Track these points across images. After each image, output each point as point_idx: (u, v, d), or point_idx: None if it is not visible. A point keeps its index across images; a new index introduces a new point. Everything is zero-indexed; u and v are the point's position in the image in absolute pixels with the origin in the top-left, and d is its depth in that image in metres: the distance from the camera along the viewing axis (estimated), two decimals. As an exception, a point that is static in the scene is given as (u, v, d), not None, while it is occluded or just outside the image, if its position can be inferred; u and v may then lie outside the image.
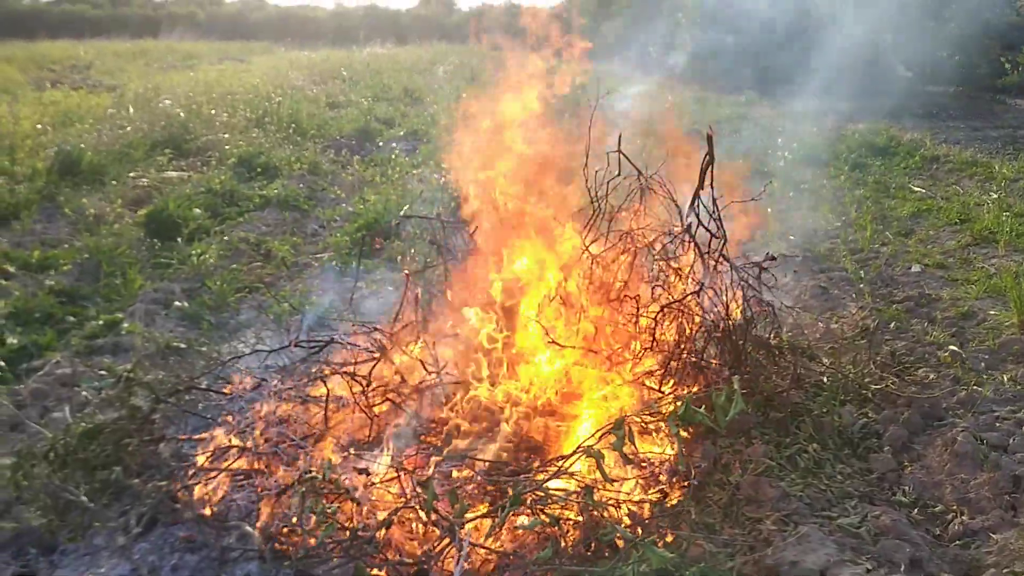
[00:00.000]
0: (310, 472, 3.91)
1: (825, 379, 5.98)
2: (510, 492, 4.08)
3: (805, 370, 6.03)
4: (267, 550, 4.05)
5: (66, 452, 4.43)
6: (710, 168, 5.43)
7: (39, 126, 12.88)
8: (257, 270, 8.42)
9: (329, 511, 3.80)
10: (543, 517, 3.89)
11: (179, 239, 9.22)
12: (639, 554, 3.64)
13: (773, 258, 5.88)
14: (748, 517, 4.74)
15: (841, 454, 5.34)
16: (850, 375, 5.98)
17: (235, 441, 4.50)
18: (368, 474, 4.10)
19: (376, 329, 5.03)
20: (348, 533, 3.96)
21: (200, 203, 10.44)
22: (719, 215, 5.62)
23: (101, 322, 7.01)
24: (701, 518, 4.57)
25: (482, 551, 4.07)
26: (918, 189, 11.95)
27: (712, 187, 5.54)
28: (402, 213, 6.31)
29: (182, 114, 14.42)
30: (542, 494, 3.98)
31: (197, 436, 4.69)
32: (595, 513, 4.03)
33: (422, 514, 4.14)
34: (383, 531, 3.95)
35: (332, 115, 16.53)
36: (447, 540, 3.93)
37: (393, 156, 13.13)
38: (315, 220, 10.53)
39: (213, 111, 15.19)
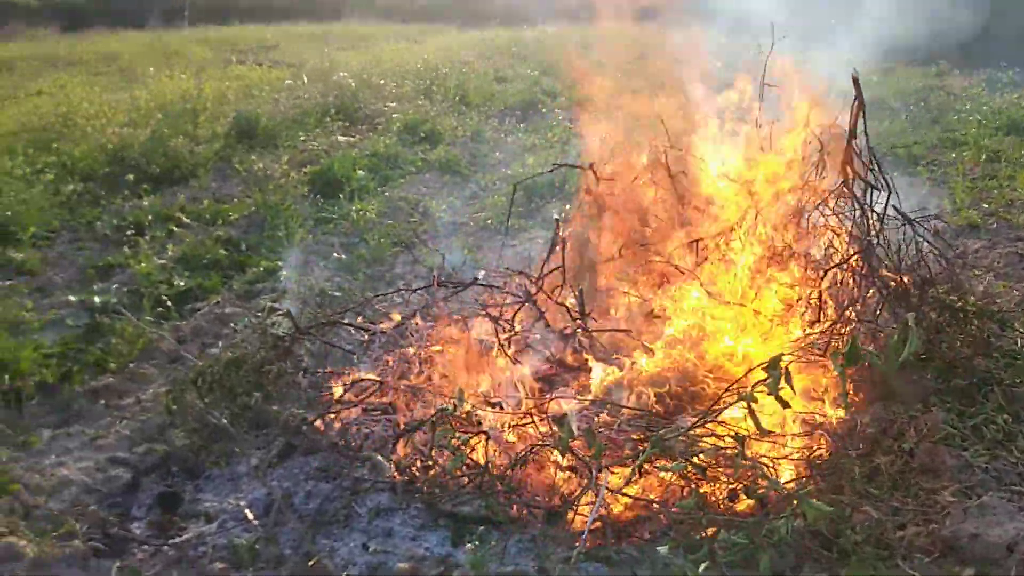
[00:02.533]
0: (445, 407, 3.75)
1: (1019, 346, 5.32)
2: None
3: (995, 337, 5.37)
4: (399, 482, 3.96)
5: (212, 380, 4.49)
6: (861, 113, 4.88)
7: (221, 96, 13.48)
8: (415, 226, 8.44)
9: (460, 442, 3.64)
10: (687, 466, 3.58)
11: (341, 196, 9.39)
12: (793, 506, 3.27)
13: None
14: (922, 487, 4.25)
15: (1031, 440, 4.70)
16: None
17: (373, 376, 4.42)
18: (502, 409, 3.92)
19: (521, 273, 4.83)
20: (480, 469, 3.81)
21: (364, 164, 10.62)
22: (878, 164, 5.04)
23: (261, 268, 7.20)
24: (865, 486, 4.13)
25: (621, 498, 3.82)
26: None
27: (867, 135, 4.97)
28: (553, 165, 6.03)
29: (353, 84, 14.76)
30: (687, 440, 3.67)
31: (337, 371, 4.65)
32: (745, 464, 3.69)
33: (557, 456, 3.94)
34: (516, 468, 3.75)
35: (499, 88, 16.45)
36: (582, 483, 3.70)
37: (555, 123, 12.92)
38: (475, 183, 10.49)
39: (383, 82, 15.50)
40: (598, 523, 3.70)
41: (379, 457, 3.96)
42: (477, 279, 4.80)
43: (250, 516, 3.85)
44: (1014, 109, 12.89)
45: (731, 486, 3.74)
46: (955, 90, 15.29)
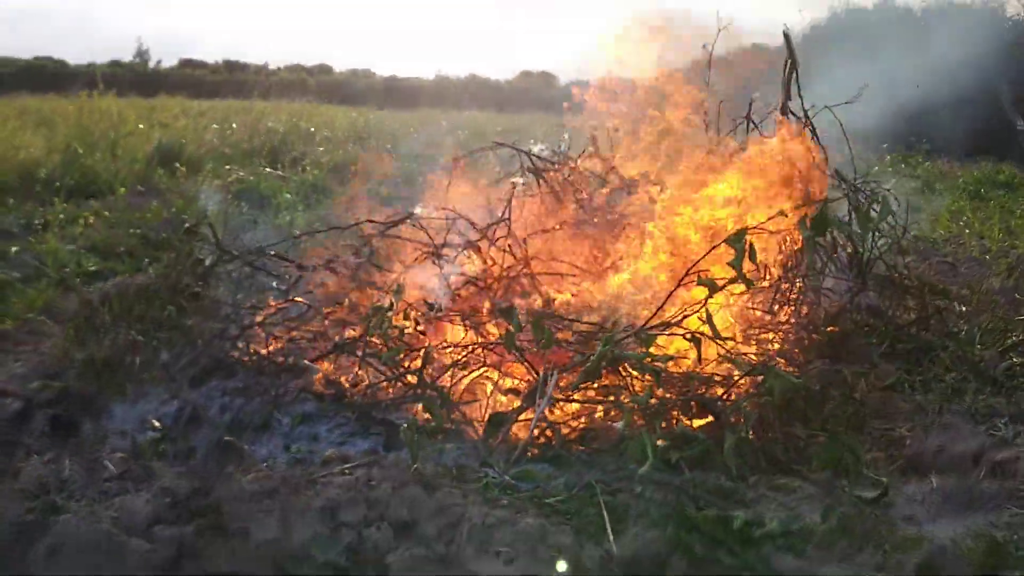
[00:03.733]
0: (380, 305, 3.45)
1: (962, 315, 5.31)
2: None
3: (937, 310, 5.32)
4: (327, 394, 3.60)
5: (122, 303, 4.09)
6: (794, 75, 4.84)
7: (141, 126, 13.12)
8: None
9: (397, 332, 3.33)
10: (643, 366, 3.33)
11: (267, 209, 9.08)
12: (763, 383, 3.05)
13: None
14: (876, 427, 4.08)
15: (984, 388, 4.60)
16: (989, 309, 5.29)
17: (301, 300, 4.09)
18: (437, 310, 3.63)
19: (455, 212, 4.60)
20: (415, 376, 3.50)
21: (292, 190, 10.35)
22: (812, 128, 4.97)
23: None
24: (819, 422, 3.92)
25: (568, 408, 3.54)
26: (1047, 213, 11.06)
27: (800, 97, 4.92)
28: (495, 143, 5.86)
29: (282, 129, 14.59)
30: (640, 342, 3.44)
31: (261, 299, 4.30)
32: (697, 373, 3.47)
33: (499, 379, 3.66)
34: (454, 371, 3.45)
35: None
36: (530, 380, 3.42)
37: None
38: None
39: (312, 128, 15.38)
40: (546, 432, 3.42)
41: (307, 362, 3.59)
42: (412, 213, 4.53)
43: (156, 424, 3.42)
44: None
45: (685, 396, 3.49)
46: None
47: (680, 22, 5.53)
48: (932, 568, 2.40)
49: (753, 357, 3.69)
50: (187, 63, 46.56)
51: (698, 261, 3.38)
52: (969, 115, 17.53)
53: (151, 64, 43.27)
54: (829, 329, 4.62)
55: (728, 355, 3.29)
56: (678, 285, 3.43)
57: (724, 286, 3.39)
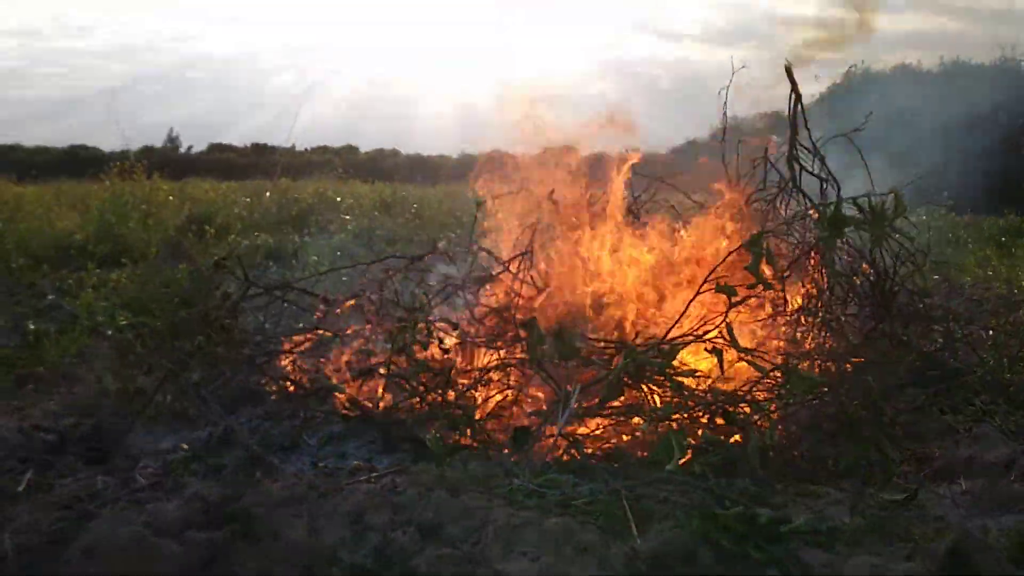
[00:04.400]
0: (403, 321, 3.52)
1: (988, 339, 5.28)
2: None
3: (964, 337, 5.30)
4: (353, 416, 3.65)
5: (155, 339, 4.18)
6: (799, 106, 4.92)
7: (172, 198, 13.44)
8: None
9: (421, 342, 3.39)
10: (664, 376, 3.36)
11: (295, 264, 9.26)
12: (787, 382, 3.05)
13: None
14: (908, 447, 4.05)
15: (1014, 412, 4.56)
16: (1017, 334, 5.25)
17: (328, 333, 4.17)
18: (457, 328, 3.68)
19: (482, 249, 4.69)
20: (439, 394, 3.54)
21: (318, 252, 10.52)
22: (823, 159, 5.01)
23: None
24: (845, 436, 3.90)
25: (591, 424, 3.56)
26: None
27: (808, 128, 4.98)
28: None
29: (310, 199, 14.90)
30: (661, 357, 3.47)
31: (288, 332, 4.37)
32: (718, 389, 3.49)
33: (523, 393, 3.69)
34: (478, 388, 3.49)
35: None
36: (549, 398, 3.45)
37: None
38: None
39: (339, 199, 15.69)
40: (571, 451, 3.43)
41: (335, 382, 3.65)
42: (436, 247, 4.62)
43: (185, 448, 3.48)
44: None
45: (709, 408, 3.50)
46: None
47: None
48: (962, 553, 2.37)
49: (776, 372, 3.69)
50: (217, 147, 47.77)
51: (715, 268, 3.43)
52: (991, 169, 17.60)
53: (182, 149, 44.54)
54: (854, 359, 4.62)
55: (748, 357, 3.30)
56: (697, 294, 3.48)
57: (741, 299, 3.41)
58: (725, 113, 5.27)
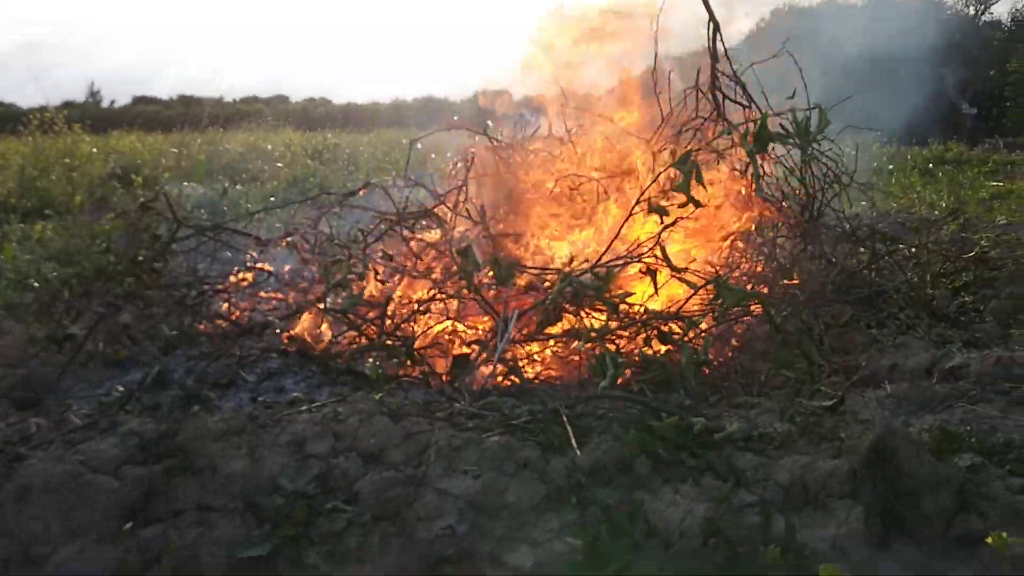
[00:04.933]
0: (340, 258, 3.49)
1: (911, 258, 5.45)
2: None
3: (885, 251, 5.44)
4: (292, 352, 3.62)
5: (82, 283, 4.08)
6: (717, 35, 4.93)
7: (95, 149, 13.03)
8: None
9: (356, 277, 3.37)
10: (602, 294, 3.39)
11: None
12: (718, 295, 3.11)
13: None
14: (836, 360, 4.17)
15: (936, 324, 4.73)
16: (938, 250, 5.43)
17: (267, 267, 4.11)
18: (392, 260, 3.67)
19: (418, 184, 4.65)
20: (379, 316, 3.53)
21: (251, 201, 10.35)
22: (744, 87, 5.04)
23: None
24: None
25: (528, 349, 3.59)
26: (994, 183, 11.34)
27: (728, 57, 4.98)
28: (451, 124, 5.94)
29: (241, 149, 14.58)
30: (598, 278, 3.50)
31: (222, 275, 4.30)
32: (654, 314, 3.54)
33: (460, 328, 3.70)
34: (416, 318, 3.49)
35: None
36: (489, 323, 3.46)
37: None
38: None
39: (270, 147, 15.38)
40: (510, 377, 3.47)
41: (273, 319, 3.61)
42: (370, 183, 4.56)
43: (120, 389, 3.42)
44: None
45: (645, 328, 3.55)
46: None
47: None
48: (885, 447, 2.46)
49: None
50: (141, 100, 46.31)
51: (646, 190, 3.46)
52: (916, 102, 17.95)
53: (104, 104, 43.04)
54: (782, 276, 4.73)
55: (679, 274, 3.35)
56: (628, 215, 3.51)
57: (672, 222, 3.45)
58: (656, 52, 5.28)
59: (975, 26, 24.83)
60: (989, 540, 2.06)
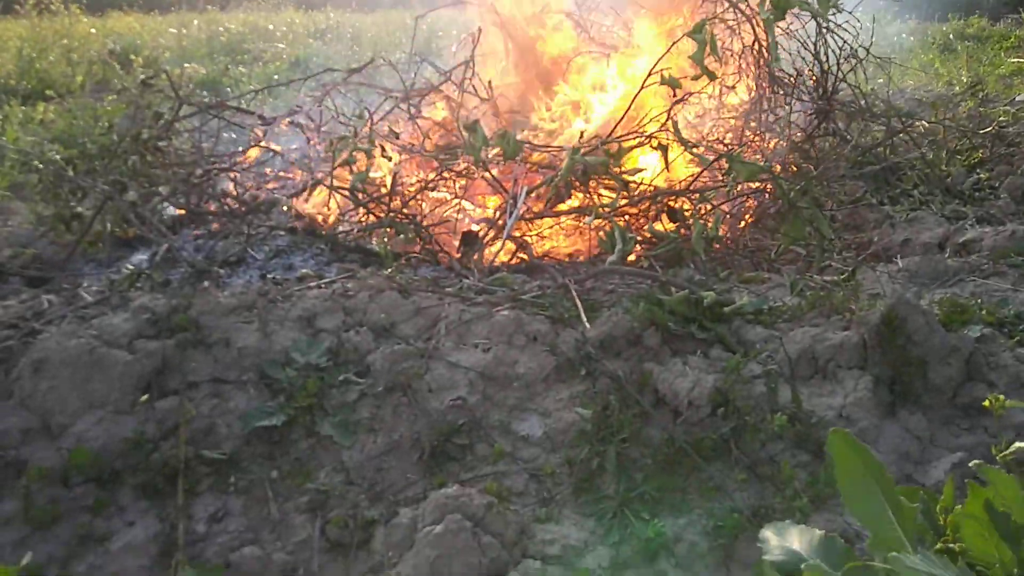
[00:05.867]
0: (345, 135, 3.42)
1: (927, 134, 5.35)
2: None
3: (900, 127, 5.33)
4: (299, 227, 3.60)
5: (87, 163, 4.04)
6: None
7: (93, 30, 12.74)
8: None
9: (364, 152, 3.31)
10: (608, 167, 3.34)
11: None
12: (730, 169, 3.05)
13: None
14: (848, 237, 4.14)
15: (951, 201, 4.66)
16: (954, 126, 5.32)
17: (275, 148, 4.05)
18: (398, 137, 3.60)
19: (430, 64, 4.52)
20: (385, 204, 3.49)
21: (253, 82, 10.12)
22: None
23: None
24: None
25: (540, 224, 3.57)
26: (1015, 60, 11.01)
27: None
28: None
29: (243, 29, 14.22)
30: (606, 153, 3.43)
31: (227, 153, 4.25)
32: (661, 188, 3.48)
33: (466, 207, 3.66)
34: (423, 193, 3.45)
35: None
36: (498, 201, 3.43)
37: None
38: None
39: (271, 26, 15.00)
40: (519, 254, 3.45)
41: (277, 196, 3.58)
42: (374, 59, 4.44)
43: (130, 267, 3.42)
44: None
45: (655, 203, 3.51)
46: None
47: None
48: (895, 317, 2.46)
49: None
50: (138, -21, 45.10)
51: (658, 61, 3.36)
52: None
53: (100, -18, 41.86)
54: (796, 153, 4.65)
55: (691, 149, 3.29)
56: (640, 88, 3.42)
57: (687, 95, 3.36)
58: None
59: None
60: (986, 403, 2.07)
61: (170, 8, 36.26)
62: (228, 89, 9.37)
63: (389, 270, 2.97)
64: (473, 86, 4.48)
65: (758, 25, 3.89)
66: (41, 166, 4.28)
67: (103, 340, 2.66)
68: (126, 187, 3.68)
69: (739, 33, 4.25)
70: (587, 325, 2.73)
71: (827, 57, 4.82)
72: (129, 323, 2.75)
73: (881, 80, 7.18)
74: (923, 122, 5.51)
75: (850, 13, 4.92)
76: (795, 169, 4.20)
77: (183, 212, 3.87)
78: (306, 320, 2.84)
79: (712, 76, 3.26)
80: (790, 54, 4.93)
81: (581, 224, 3.46)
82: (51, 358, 2.56)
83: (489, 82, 4.64)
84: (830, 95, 4.93)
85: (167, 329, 2.76)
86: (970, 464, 1.39)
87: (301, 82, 4.64)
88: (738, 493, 2.20)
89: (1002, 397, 1.70)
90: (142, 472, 2.32)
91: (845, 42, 4.93)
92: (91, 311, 2.91)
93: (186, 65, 11.24)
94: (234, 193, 3.90)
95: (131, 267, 3.38)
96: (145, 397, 2.49)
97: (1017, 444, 1.54)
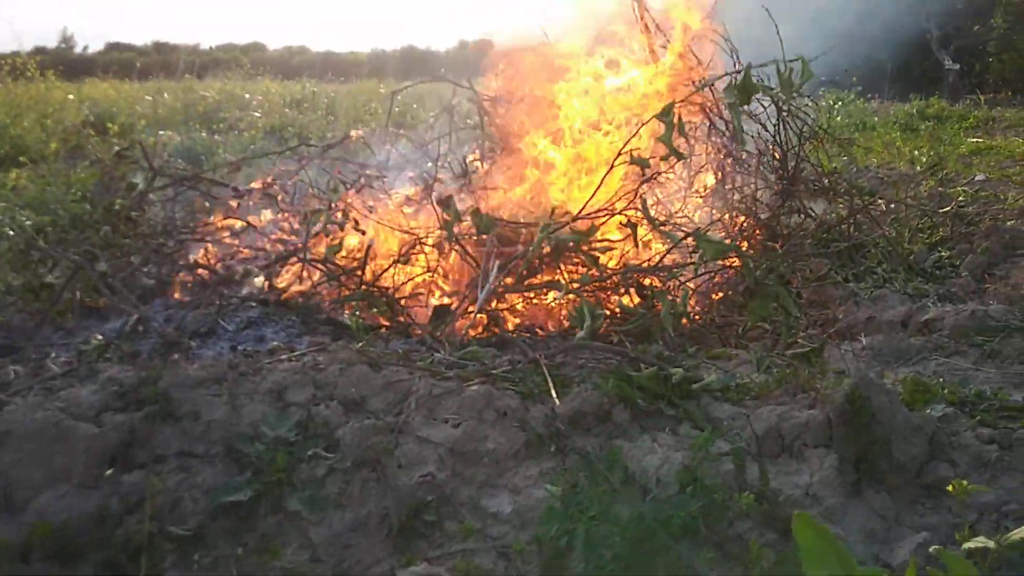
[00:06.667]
0: (320, 208, 3.47)
1: (889, 212, 5.48)
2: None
3: (863, 205, 5.47)
4: (271, 300, 3.61)
5: (57, 232, 4.04)
6: None
7: (71, 96, 12.83)
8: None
9: (337, 225, 3.35)
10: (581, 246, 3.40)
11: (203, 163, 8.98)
12: (697, 247, 3.12)
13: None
14: (813, 313, 4.22)
15: (913, 278, 4.78)
16: (916, 205, 5.47)
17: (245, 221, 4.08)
18: (372, 212, 3.65)
19: (402, 134, 4.61)
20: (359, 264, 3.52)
21: (228, 150, 10.22)
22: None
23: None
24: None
25: (511, 300, 3.60)
26: (974, 139, 11.39)
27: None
28: (432, 78, 5.85)
29: (218, 96, 14.39)
30: (578, 232, 3.50)
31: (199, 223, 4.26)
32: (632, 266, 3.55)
33: (439, 282, 3.70)
34: (398, 265, 3.49)
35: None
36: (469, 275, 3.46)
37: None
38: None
39: (247, 95, 15.18)
40: (491, 327, 3.48)
41: (250, 267, 3.60)
42: (350, 135, 4.52)
43: (99, 338, 3.40)
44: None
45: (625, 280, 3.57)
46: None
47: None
48: (860, 396, 2.50)
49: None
50: (115, 47, 45.54)
51: (628, 141, 3.45)
52: (899, 55, 17.91)
53: (77, 50, 42.20)
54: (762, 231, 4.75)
55: (659, 226, 3.36)
56: (610, 169, 3.50)
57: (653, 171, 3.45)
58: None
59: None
60: (950, 488, 2.10)
61: (147, 76, 36.61)
62: (203, 158, 9.43)
63: (360, 344, 2.98)
64: (447, 162, 4.55)
65: (722, 110, 4.02)
66: (12, 233, 4.27)
67: (69, 413, 2.63)
68: (97, 257, 3.68)
69: (705, 117, 4.39)
70: (557, 401, 2.74)
71: (788, 138, 4.96)
72: (96, 395, 2.73)
73: (845, 157, 7.40)
74: (883, 201, 5.66)
75: (808, 98, 5.09)
76: (761, 247, 4.28)
77: (154, 282, 3.86)
78: (276, 393, 2.83)
79: (680, 156, 3.35)
80: (753, 136, 5.07)
81: (552, 300, 3.51)
82: (15, 431, 2.53)
83: (463, 156, 4.72)
84: (792, 174, 5.06)
85: (135, 401, 2.74)
86: (930, 549, 1.42)
87: (277, 155, 4.68)
88: (707, 572, 2.20)
89: (965, 482, 1.73)
90: (105, 548, 2.29)
91: (806, 124, 5.09)
92: (58, 383, 2.89)
93: (161, 133, 11.34)
94: (206, 263, 3.91)
95: (100, 337, 3.36)
96: (111, 471, 2.46)
97: (978, 540, 1.57)
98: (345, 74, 36.28)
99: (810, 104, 5.18)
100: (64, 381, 2.90)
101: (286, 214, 4.28)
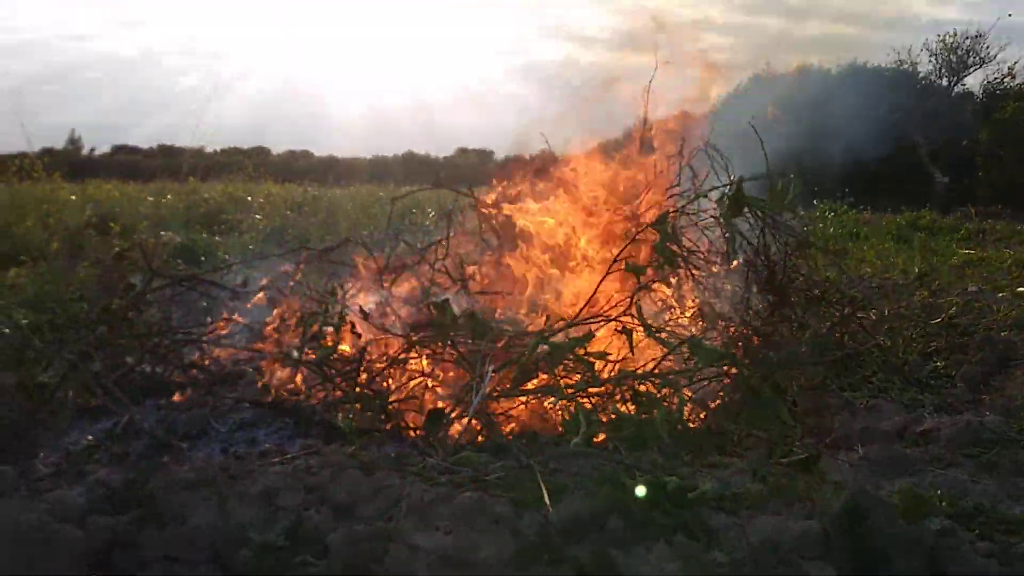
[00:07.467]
0: (316, 311, 3.49)
1: (884, 322, 5.51)
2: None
3: (857, 317, 5.51)
4: (265, 402, 3.60)
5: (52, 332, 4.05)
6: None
7: (73, 197, 13.01)
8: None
9: (332, 328, 3.37)
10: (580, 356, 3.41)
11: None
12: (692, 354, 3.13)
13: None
14: (807, 421, 4.20)
15: (908, 388, 4.78)
16: (909, 315, 5.50)
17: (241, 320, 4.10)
18: (368, 317, 3.67)
19: (404, 242, 4.67)
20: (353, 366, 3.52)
21: (230, 252, 10.31)
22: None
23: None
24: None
25: (505, 404, 3.59)
26: (966, 251, 11.55)
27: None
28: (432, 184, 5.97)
29: (219, 199, 14.59)
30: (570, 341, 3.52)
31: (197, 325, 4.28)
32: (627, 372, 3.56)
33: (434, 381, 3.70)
34: (391, 369, 3.49)
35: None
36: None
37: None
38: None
39: (249, 198, 15.40)
40: (483, 432, 3.46)
41: (247, 369, 3.60)
42: (349, 239, 4.59)
43: (89, 438, 3.38)
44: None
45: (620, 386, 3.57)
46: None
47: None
48: (857, 509, 2.48)
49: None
50: (121, 149, 46.41)
51: (623, 250, 3.50)
52: (889, 168, 18.34)
53: (84, 151, 42.98)
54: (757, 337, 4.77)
55: (654, 333, 3.38)
56: (606, 275, 3.55)
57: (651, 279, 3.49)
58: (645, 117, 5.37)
59: (948, 97, 25.39)
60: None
61: (152, 178, 37.19)
62: (203, 258, 9.52)
63: (353, 447, 2.96)
64: (445, 267, 4.60)
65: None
66: (8, 331, 4.28)
67: (55, 515, 2.60)
68: (92, 356, 3.68)
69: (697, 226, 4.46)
70: (550, 508, 2.71)
71: (777, 250, 5.03)
72: (83, 498, 2.70)
73: (838, 268, 7.48)
74: (875, 311, 5.71)
75: (794, 211, 5.19)
76: (756, 355, 4.29)
77: (147, 382, 3.85)
78: (266, 497, 2.80)
79: (675, 265, 3.40)
80: (746, 248, 5.12)
81: (547, 406, 3.50)
82: (0, 533, 2.49)
83: (460, 260, 4.78)
84: (784, 284, 5.10)
85: (122, 504, 2.70)
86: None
87: (276, 256, 4.74)
88: None
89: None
90: (84, 658, 2.22)
91: (793, 236, 5.16)
92: (45, 484, 2.86)
93: (162, 233, 11.46)
94: (200, 364, 3.91)
95: (90, 438, 3.34)
96: (93, 577, 2.41)
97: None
98: (347, 178, 36.92)
99: (802, 215, 5.28)
100: (51, 482, 2.87)
101: (283, 315, 4.30)
